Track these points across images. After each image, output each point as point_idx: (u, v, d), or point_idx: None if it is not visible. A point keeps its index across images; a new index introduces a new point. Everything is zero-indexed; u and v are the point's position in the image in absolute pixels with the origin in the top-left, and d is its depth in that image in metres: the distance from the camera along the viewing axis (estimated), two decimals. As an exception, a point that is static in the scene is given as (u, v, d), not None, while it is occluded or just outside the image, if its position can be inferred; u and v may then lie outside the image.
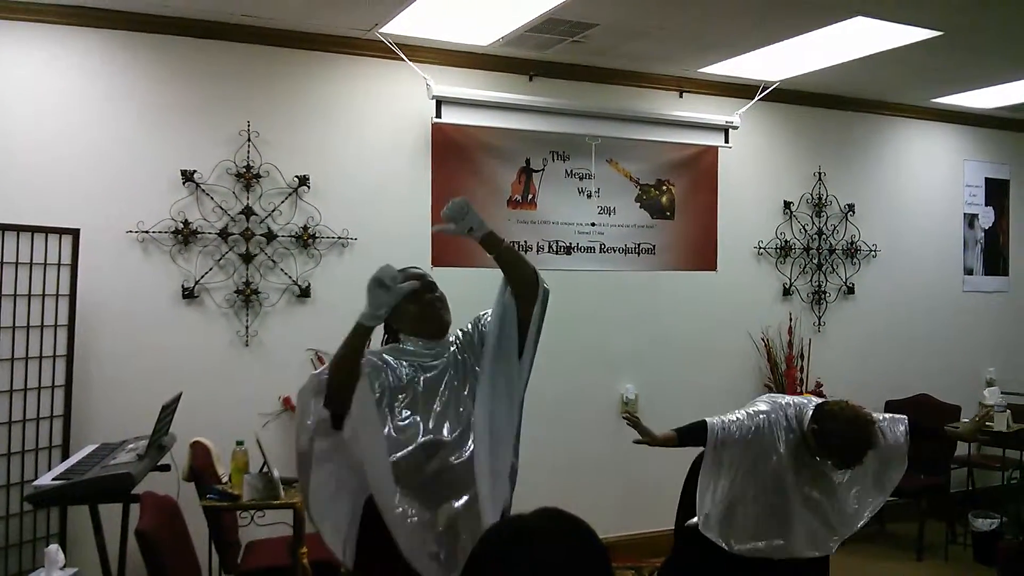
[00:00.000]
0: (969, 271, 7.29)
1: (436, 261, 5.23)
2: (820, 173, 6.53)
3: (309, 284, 4.98)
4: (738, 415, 3.72)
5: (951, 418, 6.24)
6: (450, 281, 5.24)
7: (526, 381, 2.88)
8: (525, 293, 2.82)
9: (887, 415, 3.97)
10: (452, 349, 2.92)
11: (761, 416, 3.71)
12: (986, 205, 7.38)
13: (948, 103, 6.72)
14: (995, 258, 7.44)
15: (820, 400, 3.85)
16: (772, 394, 4.01)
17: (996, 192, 7.43)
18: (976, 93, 6.41)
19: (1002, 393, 6.22)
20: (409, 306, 2.84)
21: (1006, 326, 7.42)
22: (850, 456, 3.61)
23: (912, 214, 6.98)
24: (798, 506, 3.74)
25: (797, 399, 3.86)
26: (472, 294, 5.39)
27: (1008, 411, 5.96)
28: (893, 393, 6.64)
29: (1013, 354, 7.36)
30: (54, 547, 3.07)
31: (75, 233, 4.37)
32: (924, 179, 7.06)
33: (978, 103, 6.71)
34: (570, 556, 1.43)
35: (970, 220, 7.30)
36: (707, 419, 3.69)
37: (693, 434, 3.71)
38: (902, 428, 3.89)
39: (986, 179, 7.37)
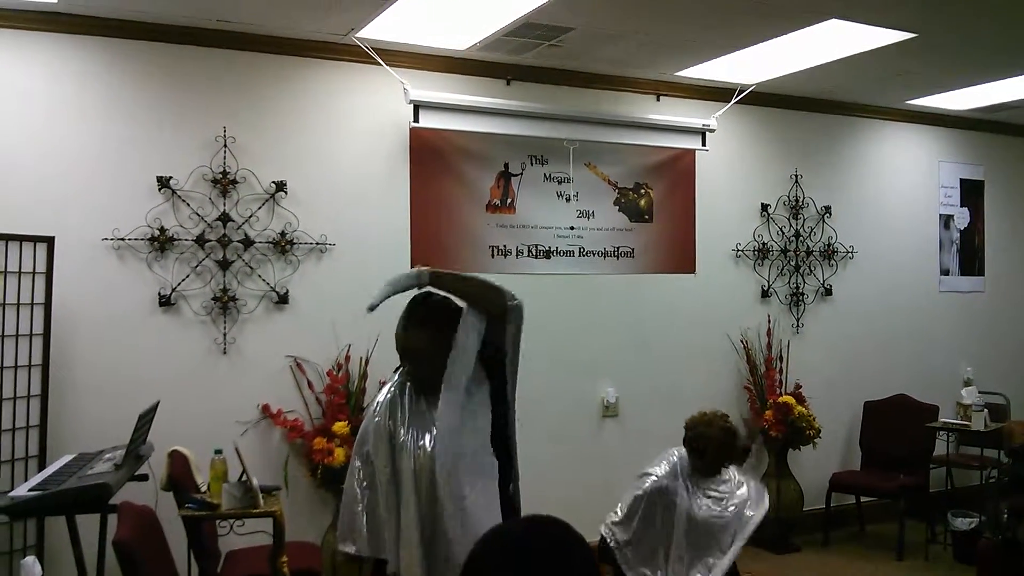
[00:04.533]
0: (945, 271, 7.34)
1: (416, 265, 5.21)
2: (797, 175, 6.56)
3: (287, 290, 4.95)
4: (624, 506, 4.05)
5: (929, 418, 6.29)
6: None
7: (505, 403, 2.94)
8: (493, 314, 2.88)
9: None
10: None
11: (649, 482, 4.03)
12: (961, 206, 7.44)
13: (923, 105, 6.77)
14: (971, 258, 7.50)
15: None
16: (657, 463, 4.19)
17: (971, 193, 7.49)
18: (950, 95, 6.46)
19: (979, 392, 6.28)
20: None
21: (982, 326, 7.48)
22: (726, 449, 3.98)
23: (888, 215, 7.02)
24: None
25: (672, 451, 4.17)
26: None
27: (985, 410, 6.01)
28: (872, 394, 6.68)
29: (990, 353, 7.41)
30: (31, 559, 3.02)
31: (50, 241, 4.32)
32: (900, 181, 7.11)
33: (953, 105, 6.76)
34: (561, 563, 1.44)
35: (946, 221, 7.35)
36: (602, 533, 3.99)
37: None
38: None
39: (961, 180, 7.43)
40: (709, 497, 4.02)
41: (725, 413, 4.18)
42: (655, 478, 4.05)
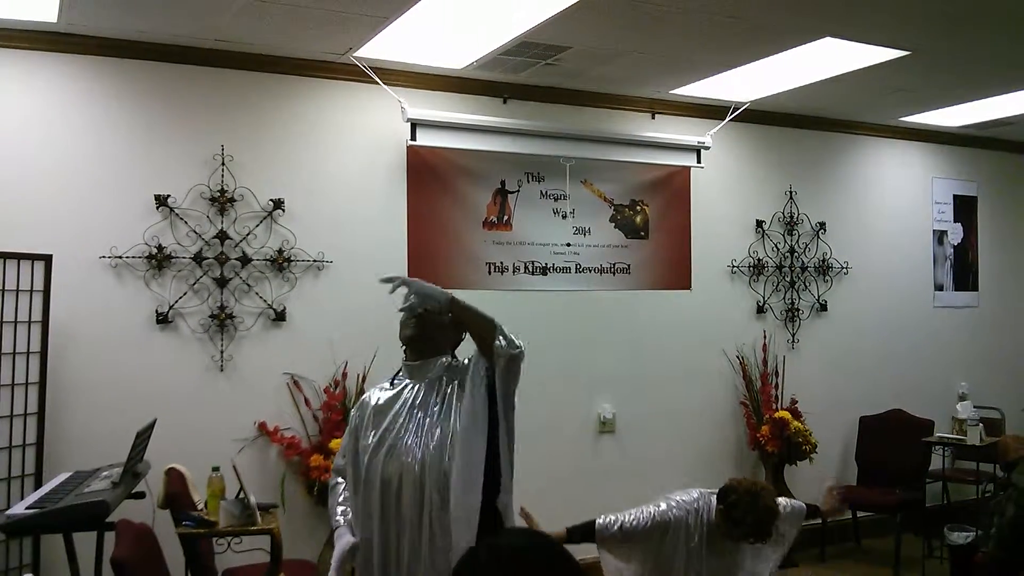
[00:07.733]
0: (939, 287, 7.37)
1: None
2: (791, 192, 6.59)
3: (284, 308, 4.96)
4: (634, 512, 3.72)
5: (925, 432, 6.31)
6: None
7: (505, 439, 2.91)
8: (487, 354, 2.84)
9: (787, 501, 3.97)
10: (442, 374, 2.94)
11: (664, 511, 3.71)
12: (955, 221, 7.48)
13: (916, 122, 6.81)
14: (965, 273, 7.54)
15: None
16: (681, 492, 3.97)
17: (964, 209, 7.53)
18: (944, 112, 6.51)
19: (974, 407, 6.30)
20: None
21: (977, 340, 7.50)
22: (758, 525, 3.61)
23: (882, 231, 7.06)
24: None
25: (703, 492, 3.85)
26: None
27: (981, 425, 6.03)
28: (867, 409, 6.70)
29: (984, 368, 7.43)
30: (27, 577, 3.04)
31: (47, 259, 4.33)
32: (893, 197, 7.14)
33: (946, 121, 6.80)
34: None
35: (939, 236, 7.39)
36: (596, 518, 3.70)
37: (582, 531, 3.68)
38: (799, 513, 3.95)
39: (954, 196, 7.47)
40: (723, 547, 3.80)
41: (772, 488, 3.81)
42: (676, 507, 3.72)
